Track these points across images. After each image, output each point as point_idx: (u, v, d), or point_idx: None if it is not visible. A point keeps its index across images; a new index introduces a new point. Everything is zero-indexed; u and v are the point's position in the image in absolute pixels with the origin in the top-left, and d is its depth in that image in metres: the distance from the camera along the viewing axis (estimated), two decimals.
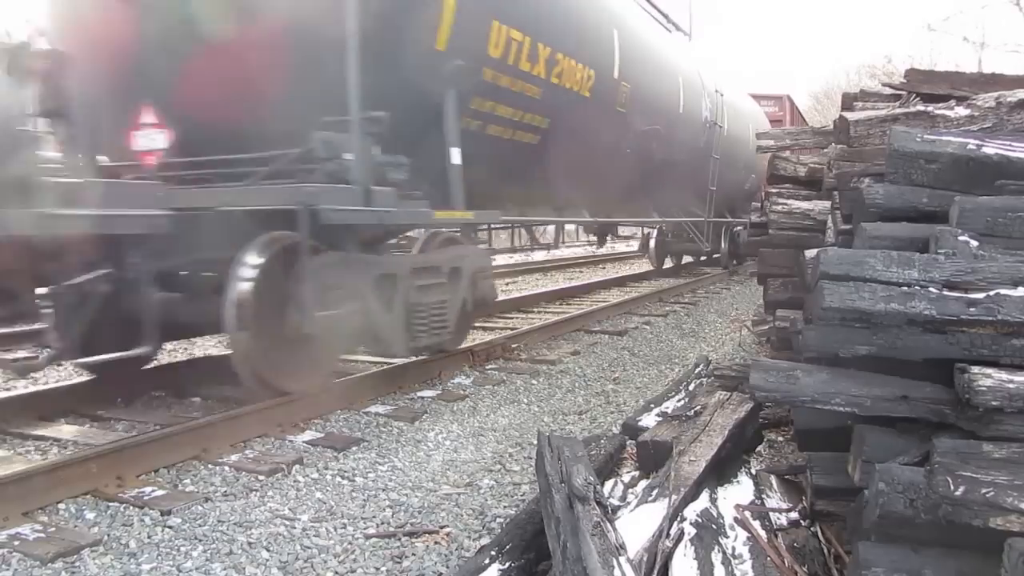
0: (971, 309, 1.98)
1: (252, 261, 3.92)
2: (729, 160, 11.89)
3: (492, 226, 7.39)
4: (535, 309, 9.17)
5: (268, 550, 2.65)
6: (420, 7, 4.65)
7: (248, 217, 4.00)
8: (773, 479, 3.00)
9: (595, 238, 13.43)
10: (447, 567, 2.54)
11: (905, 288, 2.05)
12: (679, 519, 2.44)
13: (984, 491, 1.75)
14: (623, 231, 17.84)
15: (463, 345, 5.83)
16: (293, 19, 4.12)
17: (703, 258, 15.36)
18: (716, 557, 2.20)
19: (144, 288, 3.73)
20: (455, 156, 4.97)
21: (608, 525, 2.05)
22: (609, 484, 3.02)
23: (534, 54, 5.72)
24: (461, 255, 5.40)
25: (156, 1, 4.25)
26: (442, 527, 2.86)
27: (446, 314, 5.09)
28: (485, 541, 2.67)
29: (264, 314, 3.92)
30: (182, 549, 2.65)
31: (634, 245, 17.92)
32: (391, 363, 5.27)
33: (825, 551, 2.45)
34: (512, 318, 8.40)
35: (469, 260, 5.44)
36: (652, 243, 14.09)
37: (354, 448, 3.78)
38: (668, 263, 14.59)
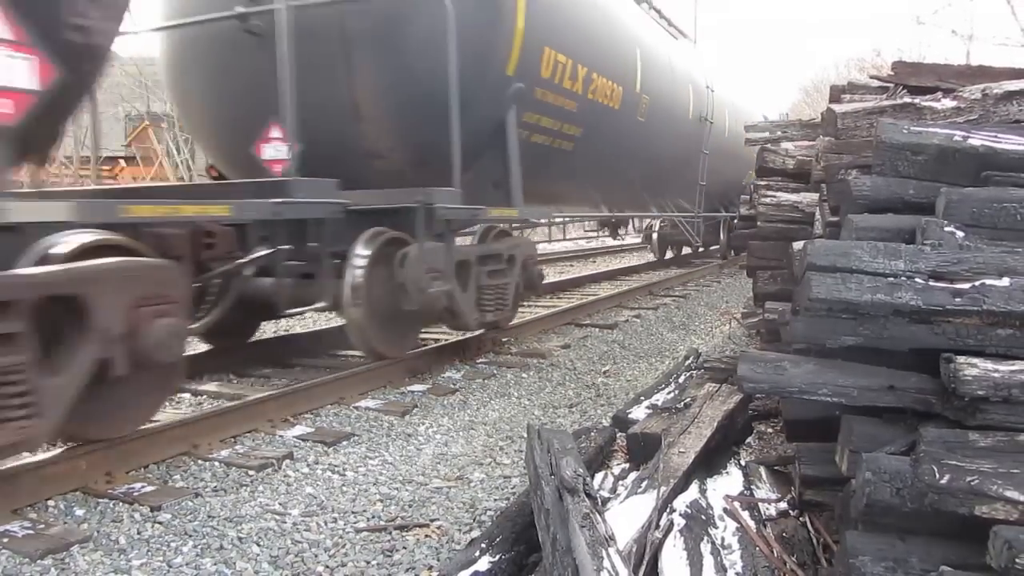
0: (957, 299, 2.00)
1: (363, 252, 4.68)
2: (722, 155, 11.83)
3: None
4: (525, 303, 9.15)
5: (259, 545, 2.65)
6: (501, 44, 5.54)
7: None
8: (762, 470, 3.01)
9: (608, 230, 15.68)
10: (438, 560, 2.54)
11: (891, 279, 2.06)
12: (668, 510, 2.45)
13: (970, 479, 1.77)
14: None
15: (457, 337, 5.96)
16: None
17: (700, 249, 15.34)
18: (705, 548, 2.22)
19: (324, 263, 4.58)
20: (515, 163, 5.94)
21: (598, 517, 2.05)
22: (599, 476, 3.03)
23: (575, 74, 6.66)
24: (515, 244, 6.20)
25: None
26: (432, 520, 2.86)
27: (506, 294, 5.90)
28: (475, 534, 2.67)
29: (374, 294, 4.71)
30: (172, 545, 2.65)
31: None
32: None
33: (814, 540, 2.47)
34: None
35: (521, 249, 6.25)
36: (654, 236, 15.57)
37: (344, 442, 3.78)
38: (669, 253, 15.58)
